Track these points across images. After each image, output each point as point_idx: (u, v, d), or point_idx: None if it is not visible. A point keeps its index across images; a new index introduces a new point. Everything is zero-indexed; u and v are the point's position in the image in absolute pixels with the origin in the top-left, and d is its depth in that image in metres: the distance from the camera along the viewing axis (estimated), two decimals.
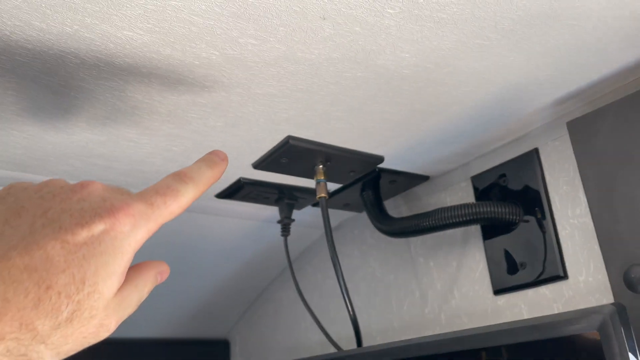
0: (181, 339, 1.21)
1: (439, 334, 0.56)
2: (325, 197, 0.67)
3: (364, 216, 0.91)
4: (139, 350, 1.15)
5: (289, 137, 0.61)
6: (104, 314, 0.30)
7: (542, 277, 0.62)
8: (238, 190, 0.74)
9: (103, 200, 0.31)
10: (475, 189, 0.72)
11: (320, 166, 0.67)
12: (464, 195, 0.75)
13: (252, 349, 1.18)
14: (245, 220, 0.89)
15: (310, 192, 0.78)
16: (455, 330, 0.67)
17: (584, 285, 0.58)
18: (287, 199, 0.78)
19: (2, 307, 0.26)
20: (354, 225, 0.93)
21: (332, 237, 0.66)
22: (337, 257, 0.65)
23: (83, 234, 0.29)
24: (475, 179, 0.73)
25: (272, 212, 0.86)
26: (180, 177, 0.35)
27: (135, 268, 0.33)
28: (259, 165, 0.66)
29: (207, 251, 0.95)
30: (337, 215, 0.94)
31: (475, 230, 0.72)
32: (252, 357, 1.18)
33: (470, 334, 0.54)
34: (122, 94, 0.49)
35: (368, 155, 0.68)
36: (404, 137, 0.65)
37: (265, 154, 0.64)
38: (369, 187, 0.78)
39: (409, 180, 0.78)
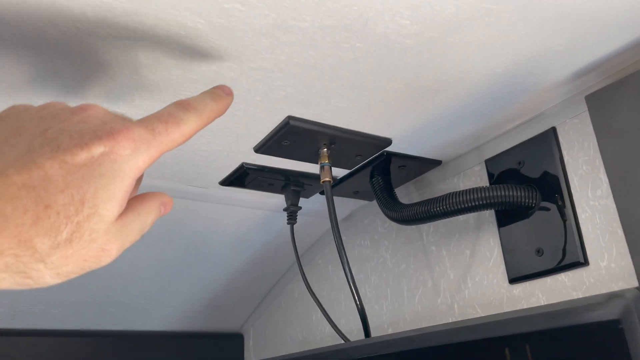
0: (194, 332, 1.20)
1: (448, 323, 0.53)
2: (329, 181, 0.64)
3: (374, 205, 0.88)
4: (152, 344, 1.14)
5: (289, 118, 0.58)
6: (105, 238, 0.30)
7: (561, 263, 0.58)
8: (242, 177, 0.72)
9: (103, 123, 0.30)
10: (490, 173, 0.69)
11: (325, 149, 0.65)
12: (477, 180, 0.71)
13: (266, 342, 1.16)
14: (253, 209, 0.87)
15: (317, 178, 0.75)
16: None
17: (605, 271, 0.54)
18: (293, 186, 0.76)
19: (1, 222, 0.26)
20: (364, 214, 0.90)
21: (337, 223, 0.63)
22: (342, 244, 0.62)
23: (82, 155, 0.29)
24: (489, 163, 0.69)
25: (279, 200, 0.83)
26: (183, 105, 0.34)
27: (138, 197, 0.33)
28: (261, 148, 0.64)
29: (215, 242, 0.93)
30: (347, 205, 0.91)
31: (489, 216, 0.68)
32: (266, 350, 1.15)
33: (482, 322, 0.50)
34: (108, 69, 0.47)
35: (374, 137, 0.64)
36: (411, 118, 0.61)
37: (266, 136, 0.62)
38: (378, 172, 0.75)
39: (420, 165, 0.74)
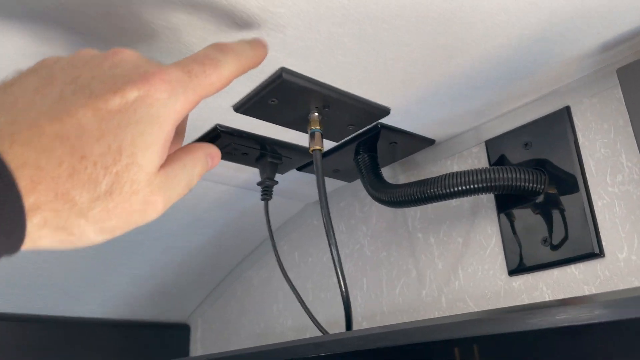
0: (135, 320, 1.08)
1: (455, 315, 0.46)
2: (320, 149, 0.56)
3: (352, 187, 0.80)
4: (88, 332, 1.01)
5: (283, 70, 0.49)
6: (148, 189, 0.28)
7: (572, 254, 0.53)
8: (213, 141, 0.62)
9: (136, 67, 0.29)
10: (490, 156, 0.63)
11: (316, 114, 0.56)
12: (475, 162, 0.65)
13: (216, 334, 1.06)
14: (217, 183, 0.77)
15: (298, 150, 0.67)
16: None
17: (624, 264, 0.49)
18: (270, 157, 0.67)
19: (35, 175, 0.24)
20: (340, 197, 0.83)
21: (326, 198, 0.55)
22: (331, 222, 0.54)
23: (116, 101, 0.27)
24: (490, 144, 0.63)
25: (250, 175, 0.75)
26: (220, 47, 0.33)
27: (183, 148, 0.32)
28: (242, 107, 0.55)
29: (169, 219, 0.83)
30: None
31: (488, 201, 0.62)
32: (216, 343, 1.06)
33: (488, 317, 0.44)
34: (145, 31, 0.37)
35: (373, 104, 0.57)
36: (415, 86, 0.54)
37: (252, 91, 0.53)
38: (365, 148, 0.67)
39: (412, 143, 0.67)
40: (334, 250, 0.54)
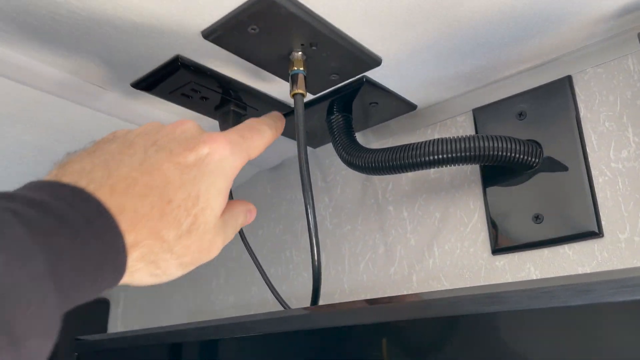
0: None
1: (441, 291, 0.40)
2: (302, 94, 0.48)
3: (315, 154, 0.73)
4: None
5: None
6: (213, 231, 0.34)
7: (566, 233, 0.49)
8: (167, 77, 0.52)
9: (201, 132, 0.35)
10: (478, 125, 0.58)
11: (300, 52, 0.48)
12: (458, 132, 0.60)
13: (141, 310, 0.95)
14: None
15: (268, 101, 0.58)
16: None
17: (625, 245, 0.46)
18: (234, 106, 0.58)
19: (134, 217, 0.29)
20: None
21: (306, 152, 0.47)
22: (310, 182, 0.47)
23: (191, 157, 0.33)
24: (479, 113, 0.58)
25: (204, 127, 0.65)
26: (258, 121, 0.40)
27: (230, 202, 0.37)
28: (214, 33, 0.46)
29: None
30: (278, 150, 0.75)
31: (472, 174, 0.57)
32: (140, 321, 0.95)
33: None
34: None
35: (364, 51, 0.50)
36: (414, 33, 0.48)
37: (229, 13, 0.44)
38: (339, 108, 0.60)
39: (393, 106, 0.61)
40: (310, 213, 0.47)
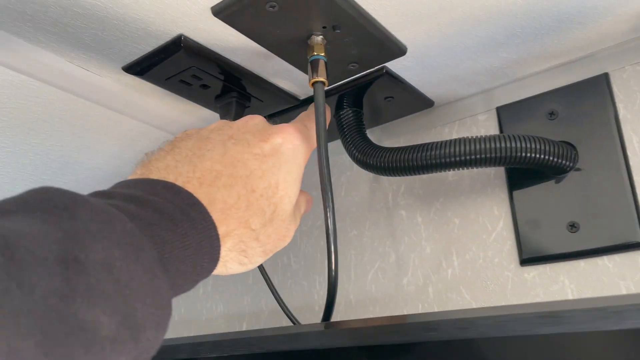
0: None
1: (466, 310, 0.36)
2: (323, 82, 0.42)
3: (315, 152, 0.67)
4: None
5: None
6: (289, 219, 0.36)
7: (605, 244, 0.45)
8: (166, 60, 0.46)
9: (269, 125, 0.37)
10: (503, 125, 0.53)
11: (321, 37, 0.43)
12: (479, 132, 0.56)
13: None
14: (154, 127, 0.60)
15: (274, 92, 0.53)
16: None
17: None
18: (237, 98, 0.52)
19: (224, 208, 0.31)
20: None
21: (326, 148, 0.41)
22: (330, 182, 0.41)
23: (267, 147, 0.35)
24: (503, 111, 0.54)
25: (200, 122, 0.59)
26: (309, 113, 0.42)
27: None
28: (227, 9, 0.40)
29: (80, 169, 0.64)
30: None
31: (496, 177, 0.53)
32: None
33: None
34: None
35: (390, 38, 0.45)
36: (444, 19, 0.43)
37: None
38: (350, 102, 0.55)
39: (409, 102, 0.56)
40: (330, 216, 0.41)
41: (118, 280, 0.22)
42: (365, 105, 0.56)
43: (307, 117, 0.41)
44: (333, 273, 0.43)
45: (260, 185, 0.33)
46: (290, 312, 0.52)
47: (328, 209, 0.41)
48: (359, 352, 0.43)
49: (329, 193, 0.41)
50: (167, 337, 0.52)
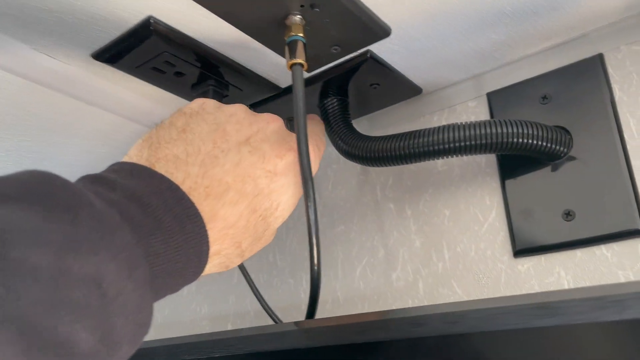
0: None
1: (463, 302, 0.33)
2: (302, 64, 0.40)
3: None
4: None
5: None
6: (274, 232, 0.36)
7: (603, 232, 0.42)
8: (136, 46, 0.44)
9: (288, 134, 0.36)
10: (494, 111, 0.51)
11: (299, 16, 0.40)
12: (469, 119, 0.53)
13: None
14: (126, 120, 0.58)
15: (255, 80, 0.50)
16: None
17: None
18: (214, 86, 0.50)
19: (222, 227, 0.30)
20: None
21: (306, 135, 0.39)
22: (311, 173, 0.39)
23: (281, 165, 0.34)
24: (495, 96, 0.51)
25: (169, 109, 0.56)
26: (317, 133, 0.42)
27: None
28: None
29: (57, 163, 0.62)
30: None
31: (487, 166, 0.51)
32: None
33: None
34: None
35: (374, 18, 0.42)
36: (422, 0, 0.41)
37: None
38: (334, 90, 0.53)
39: (396, 89, 0.54)
40: (311, 209, 0.39)
41: (105, 294, 0.22)
42: (350, 93, 0.54)
43: (319, 139, 0.41)
44: (316, 268, 0.40)
45: (263, 206, 0.33)
46: (272, 311, 0.50)
47: (309, 201, 0.39)
48: (344, 350, 0.40)
49: (310, 183, 0.39)
50: (147, 340, 0.50)
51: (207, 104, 0.35)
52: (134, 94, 0.53)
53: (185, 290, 0.73)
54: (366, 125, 0.60)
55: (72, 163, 0.63)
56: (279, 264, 0.64)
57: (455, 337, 0.34)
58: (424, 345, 0.36)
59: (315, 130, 0.43)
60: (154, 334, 0.73)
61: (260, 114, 0.37)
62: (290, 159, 0.35)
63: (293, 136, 0.36)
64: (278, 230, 0.65)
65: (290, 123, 0.51)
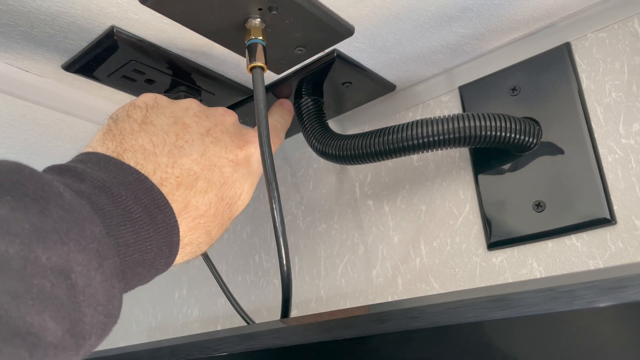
0: None
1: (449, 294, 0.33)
2: (262, 67, 0.40)
3: (281, 146, 0.65)
4: None
5: None
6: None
7: (573, 222, 0.42)
8: (104, 56, 0.44)
9: (243, 127, 0.38)
10: (466, 104, 0.51)
11: (258, 19, 0.41)
12: (443, 114, 0.53)
13: None
14: (99, 126, 0.58)
15: (226, 84, 0.51)
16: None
17: None
18: (185, 91, 0.50)
19: (196, 216, 0.31)
20: None
21: (268, 134, 0.39)
22: (274, 170, 0.39)
23: (241, 155, 0.36)
24: (466, 90, 0.51)
25: None
26: (276, 121, 0.45)
27: None
28: None
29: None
30: None
31: (461, 159, 0.51)
32: None
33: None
34: None
35: (335, 18, 0.43)
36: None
37: None
38: (309, 90, 0.53)
39: (370, 87, 0.54)
40: (275, 207, 0.39)
41: (74, 285, 0.22)
42: (325, 93, 0.54)
43: (274, 130, 0.42)
44: (285, 268, 0.41)
45: (228, 194, 0.33)
46: (244, 311, 0.50)
47: (274, 200, 0.39)
48: (316, 349, 0.40)
49: (274, 184, 0.39)
50: (133, 344, 0.50)
51: (160, 98, 0.36)
52: (109, 102, 0.53)
53: (177, 294, 0.74)
54: (344, 124, 0.60)
55: None
56: (264, 265, 0.64)
57: (420, 332, 0.34)
58: (393, 341, 0.37)
59: (273, 124, 0.44)
60: (147, 338, 0.74)
61: (213, 107, 0.38)
62: (250, 151, 0.36)
63: (249, 129, 0.37)
64: (263, 232, 0.66)
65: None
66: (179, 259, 0.31)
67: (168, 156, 0.31)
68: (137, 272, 0.27)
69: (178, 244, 0.29)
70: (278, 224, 0.39)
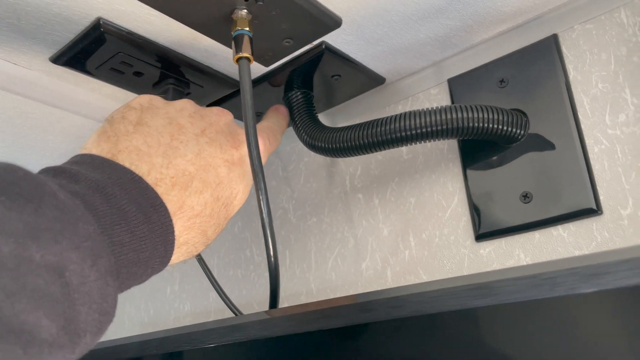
0: None
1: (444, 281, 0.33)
2: (248, 57, 0.40)
3: None
4: None
5: None
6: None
7: (559, 212, 0.42)
8: (91, 48, 0.44)
9: (238, 127, 0.38)
10: (455, 97, 0.51)
11: (245, 10, 0.41)
12: (432, 106, 0.53)
13: None
14: (94, 121, 0.58)
15: (215, 77, 0.51)
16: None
17: (629, 222, 0.40)
18: (174, 84, 0.50)
19: (192, 216, 0.31)
20: None
21: (255, 129, 0.39)
22: (261, 164, 0.39)
23: (237, 155, 0.36)
24: (455, 82, 0.51)
25: None
26: (273, 124, 0.45)
27: None
28: None
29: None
30: None
31: (449, 152, 0.51)
32: None
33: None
34: None
35: (322, 9, 0.43)
36: None
37: None
38: (299, 83, 0.53)
39: (359, 80, 0.54)
40: (263, 200, 0.39)
41: (68, 283, 0.22)
42: (315, 86, 0.54)
43: (271, 131, 0.42)
44: (272, 259, 0.41)
45: (224, 194, 0.34)
46: (232, 303, 0.50)
47: (260, 193, 0.39)
48: (305, 339, 0.41)
49: (261, 175, 0.39)
50: (122, 337, 0.50)
51: (154, 100, 0.36)
52: (99, 95, 0.53)
53: (169, 289, 0.74)
54: (335, 117, 0.60)
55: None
56: (255, 259, 0.64)
57: (405, 321, 0.35)
58: (376, 331, 0.37)
59: (269, 125, 0.44)
60: (140, 332, 0.73)
61: (208, 107, 0.38)
62: (244, 150, 0.36)
63: (244, 129, 0.37)
64: (254, 227, 0.66)
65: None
66: (175, 258, 0.31)
67: (163, 157, 0.31)
68: (133, 271, 0.27)
69: (173, 243, 0.29)
70: (265, 215, 0.39)
